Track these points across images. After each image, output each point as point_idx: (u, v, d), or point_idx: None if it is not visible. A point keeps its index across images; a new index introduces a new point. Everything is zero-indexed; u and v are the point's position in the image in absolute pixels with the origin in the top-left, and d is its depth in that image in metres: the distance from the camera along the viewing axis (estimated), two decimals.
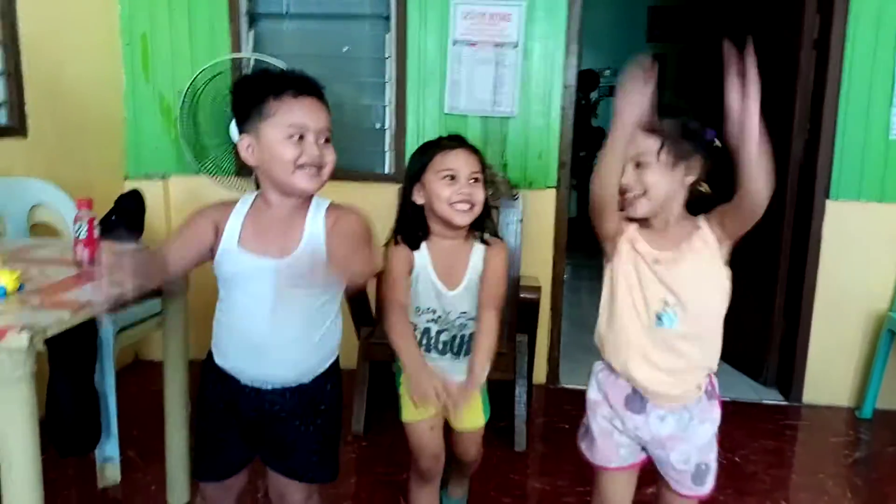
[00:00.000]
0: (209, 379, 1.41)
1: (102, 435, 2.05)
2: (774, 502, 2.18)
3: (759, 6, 3.13)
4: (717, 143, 1.32)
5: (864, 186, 2.79)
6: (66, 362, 1.94)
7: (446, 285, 1.58)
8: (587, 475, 2.23)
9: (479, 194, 1.54)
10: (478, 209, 1.54)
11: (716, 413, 1.41)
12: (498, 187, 2.69)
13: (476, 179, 1.54)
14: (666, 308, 1.32)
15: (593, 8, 5.05)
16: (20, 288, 1.45)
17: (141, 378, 2.84)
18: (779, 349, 3.08)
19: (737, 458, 2.43)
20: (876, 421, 2.81)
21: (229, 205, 1.37)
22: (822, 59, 2.78)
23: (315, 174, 1.32)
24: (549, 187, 2.95)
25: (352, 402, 2.55)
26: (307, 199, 1.37)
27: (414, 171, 1.57)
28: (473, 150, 1.57)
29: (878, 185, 2.79)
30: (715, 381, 1.42)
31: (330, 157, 1.34)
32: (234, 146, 2.50)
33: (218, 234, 1.33)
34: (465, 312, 1.60)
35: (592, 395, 1.47)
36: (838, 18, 2.70)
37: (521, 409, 2.44)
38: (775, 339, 3.07)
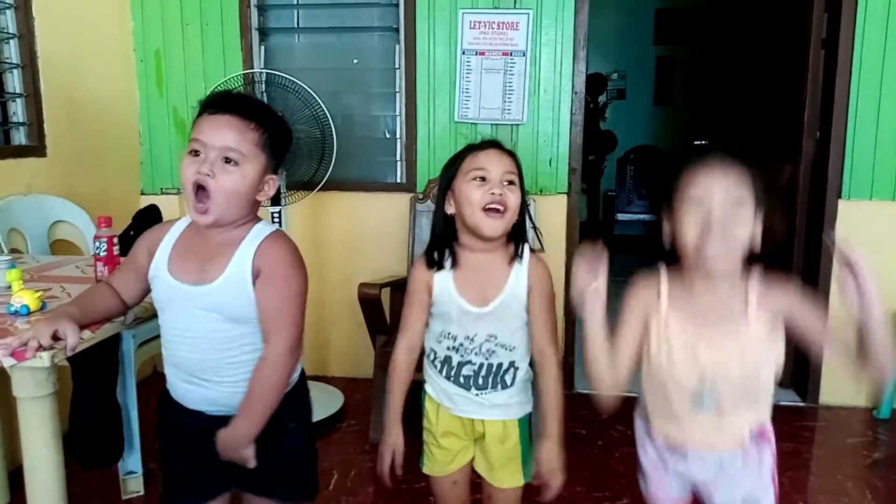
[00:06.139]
0: (169, 409, 1.39)
1: (125, 448, 2.07)
2: None
3: (766, 6, 3.13)
4: None
5: (877, 185, 2.79)
6: (88, 377, 1.96)
7: (472, 303, 1.39)
8: (604, 481, 2.25)
9: (513, 198, 1.36)
10: (510, 216, 1.36)
11: (764, 455, 1.31)
12: None
13: (510, 182, 1.37)
14: (703, 389, 1.24)
15: (599, 11, 5.08)
16: (43, 306, 1.48)
17: (160, 390, 2.87)
18: (794, 350, 3.06)
19: None
20: (894, 421, 2.80)
21: (164, 227, 1.35)
22: (830, 58, 2.78)
23: (203, 199, 1.20)
24: (559, 193, 2.96)
25: (369, 412, 2.57)
26: (244, 224, 1.28)
27: (445, 178, 1.42)
28: (507, 152, 1.42)
29: (890, 184, 2.78)
30: (768, 424, 1.33)
31: (222, 181, 1.19)
32: None
33: (150, 257, 1.31)
34: (493, 336, 1.40)
35: (639, 430, 1.41)
36: (846, 17, 2.70)
37: (536, 415, 2.44)
38: (791, 340, 3.05)
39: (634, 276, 1.31)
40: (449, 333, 1.42)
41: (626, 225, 6.45)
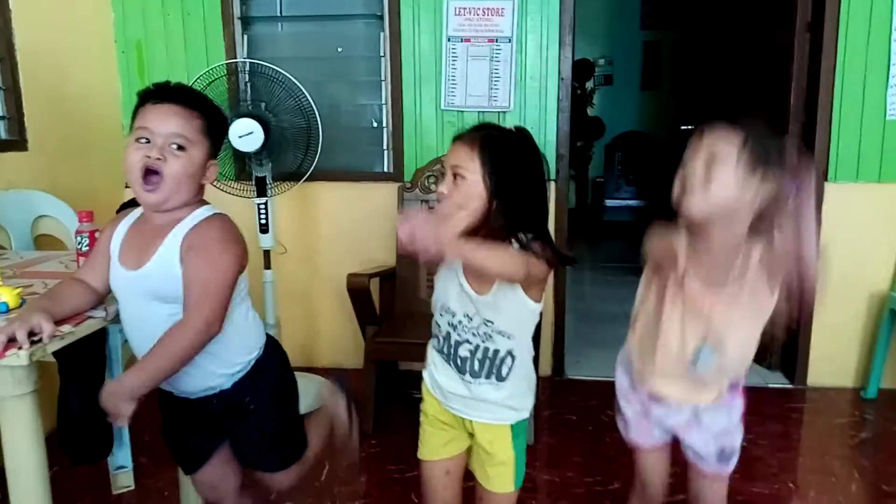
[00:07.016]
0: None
1: (114, 443, 2.06)
2: (782, 485, 2.20)
3: None
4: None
5: (862, 168, 2.80)
6: (75, 372, 1.95)
7: (474, 288, 1.33)
8: (596, 466, 2.26)
9: (457, 194, 1.27)
10: (449, 210, 1.29)
11: (735, 402, 1.42)
12: None
13: (458, 175, 1.28)
14: (703, 347, 1.31)
15: None
16: (22, 303, 1.45)
17: None
18: (785, 334, 3.08)
19: (743, 443, 2.43)
20: (881, 401, 2.83)
21: (118, 219, 1.38)
22: (815, 42, 2.78)
23: (152, 182, 1.25)
24: (548, 180, 2.95)
25: (359, 402, 2.56)
26: (187, 208, 1.32)
27: None
28: (466, 143, 1.30)
29: (876, 166, 2.79)
30: (742, 378, 1.43)
31: (172, 165, 1.25)
32: (234, 151, 2.51)
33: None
34: (490, 322, 1.32)
35: (621, 381, 1.50)
36: (831, 0, 2.71)
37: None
38: (774, 326, 3.08)
39: (653, 226, 1.35)
40: (448, 308, 1.37)
41: (615, 211, 6.47)
